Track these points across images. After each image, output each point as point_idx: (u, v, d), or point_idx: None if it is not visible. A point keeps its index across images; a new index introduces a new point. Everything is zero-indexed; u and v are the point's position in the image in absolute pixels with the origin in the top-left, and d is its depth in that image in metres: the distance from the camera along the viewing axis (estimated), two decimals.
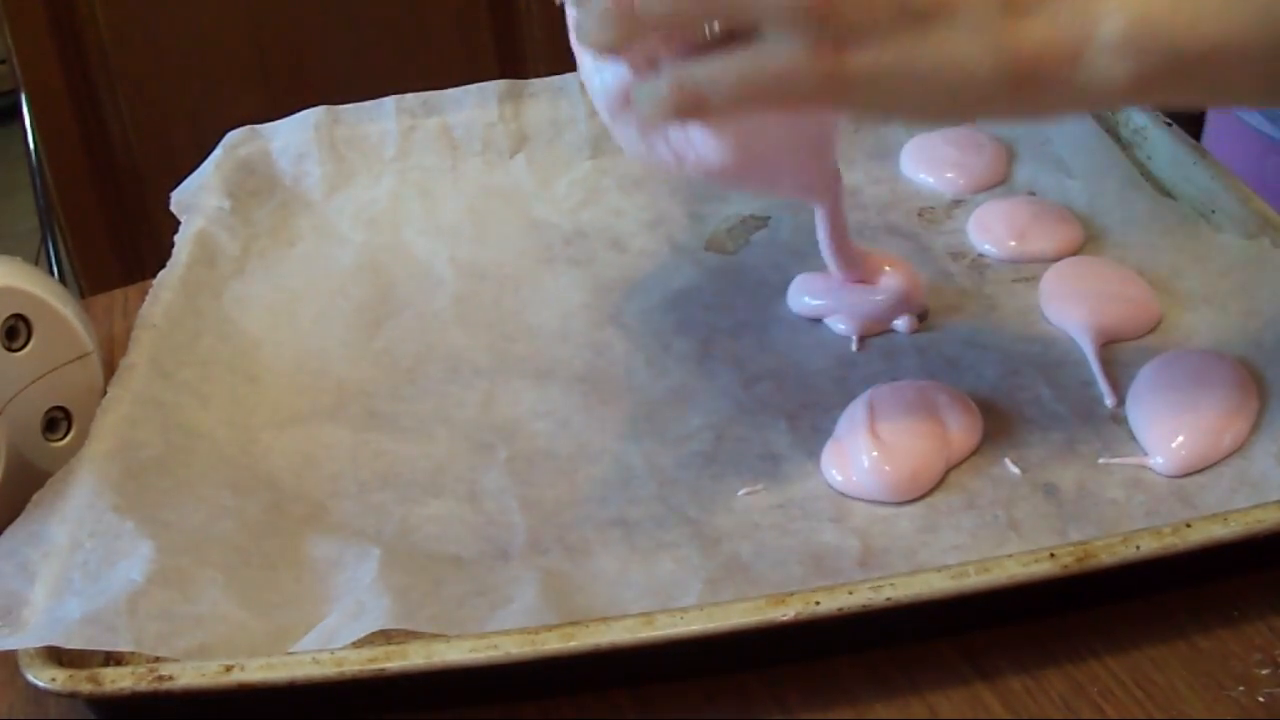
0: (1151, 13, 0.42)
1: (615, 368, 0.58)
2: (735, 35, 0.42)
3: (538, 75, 0.74)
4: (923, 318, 0.59)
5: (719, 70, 0.43)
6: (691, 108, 0.43)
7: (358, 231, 0.68)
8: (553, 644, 0.41)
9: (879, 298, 0.58)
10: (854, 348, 0.58)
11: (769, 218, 0.67)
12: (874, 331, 0.59)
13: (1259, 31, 0.42)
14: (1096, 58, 0.42)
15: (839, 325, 0.59)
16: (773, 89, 0.43)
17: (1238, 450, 0.49)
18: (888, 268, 0.59)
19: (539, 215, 0.69)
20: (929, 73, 0.42)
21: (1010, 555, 0.42)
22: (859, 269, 0.59)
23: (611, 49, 0.44)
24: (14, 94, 1.33)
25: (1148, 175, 0.67)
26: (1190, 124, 0.69)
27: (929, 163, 0.70)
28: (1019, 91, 0.43)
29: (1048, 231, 0.63)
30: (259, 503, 0.51)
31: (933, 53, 0.42)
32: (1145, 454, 0.50)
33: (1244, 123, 0.78)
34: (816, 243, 0.67)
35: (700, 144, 0.47)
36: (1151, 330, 0.57)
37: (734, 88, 0.43)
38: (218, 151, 0.70)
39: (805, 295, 0.60)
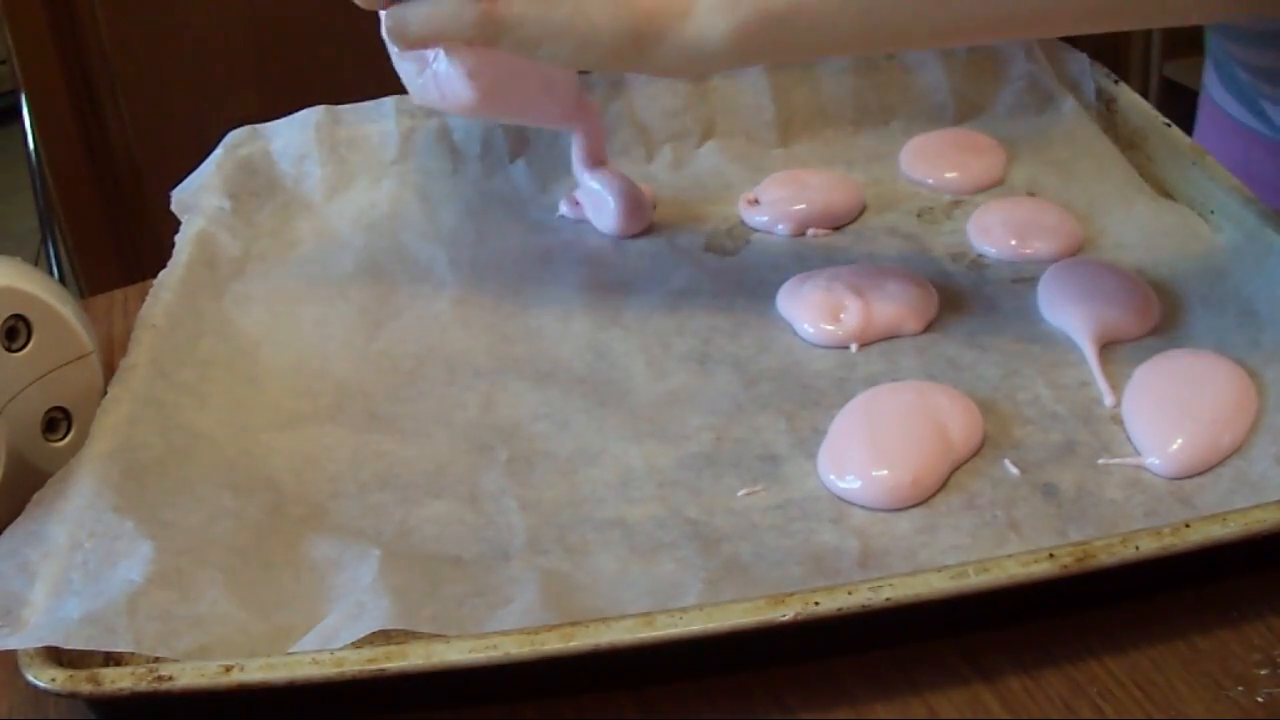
0: None
1: (615, 369, 0.58)
2: None
3: None
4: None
5: (414, 8, 0.53)
6: (398, 35, 0.54)
7: (358, 235, 0.68)
8: (553, 644, 0.41)
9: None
10: (854, 348, 0.58)
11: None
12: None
13: None
14: (698, 14, 0.49)
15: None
16: (446, 26, 0.52)
17: (1237, 451, 0.49)
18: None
19: (538, 218, 0.69)
20: (564, 23, 0.50)
21: (1010, 555, 0.42)
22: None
23: (373, 4, 0.54)
24: (14, 94, 1.33)
25: (1147, 175, 0.67)
26: (1179, 121, 0.69)
27: (929, 163, 0.70)
28: (639, 44, 0.50)
29: (1047, 232, 0.63)
30: (259, 503, 0.51)
31: (568, 6, 0.50)
32: (1144, 455, 0.50)
33: (1230, 118, 0.78)
34: (816, 243, 0.67)
35: (454, 82, 0.57)
36: (1151, 330, 0.57)
37: (420, 22, 0.53)
38: (218, 151, 0.70)
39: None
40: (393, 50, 0.58)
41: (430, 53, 0.57)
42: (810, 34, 0.50)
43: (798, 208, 0.67)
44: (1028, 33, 0.53)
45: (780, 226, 0.67)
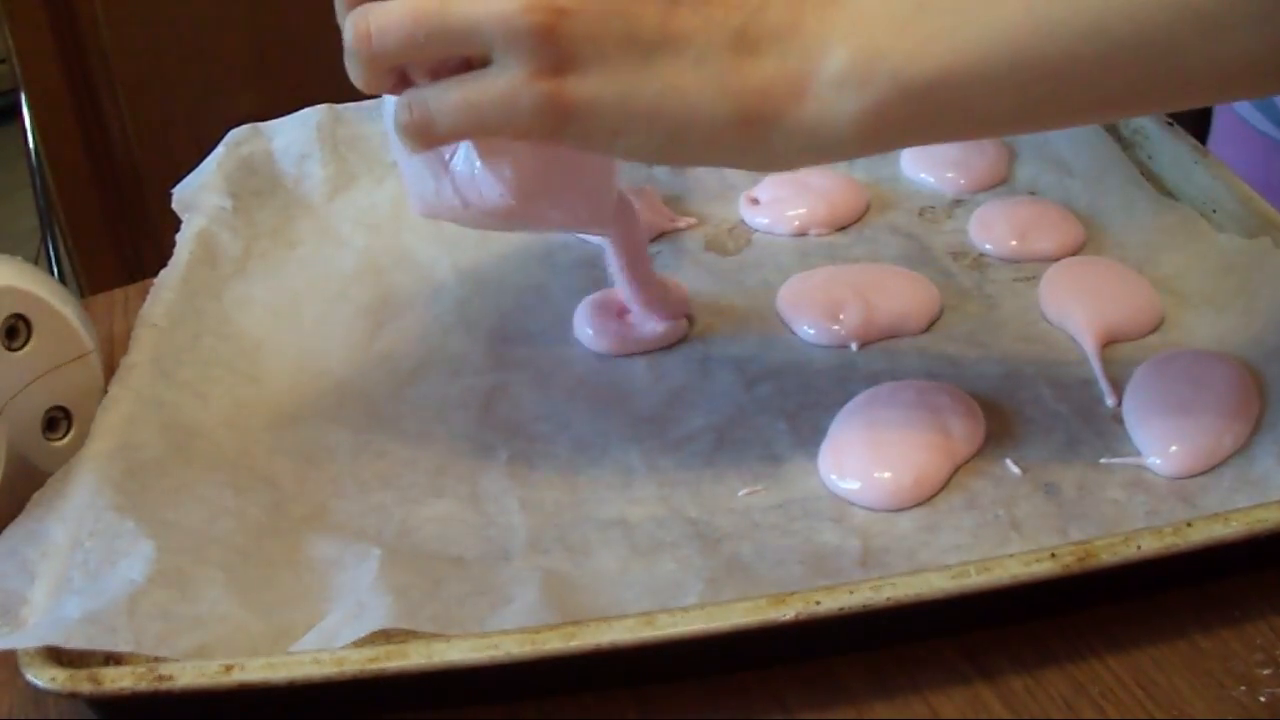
0: (875, 42, 0.41)
1: (616, 369, 0.58)
2: (474, 64, 0.43)
3: None
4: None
5: (443, 94, 0.43)
6: (421, 131, 0.43)
7: (359, 235, 0.68)
8: (553, 644, 0.41)
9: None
10: (854, 348, 0.58)
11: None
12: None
13: (995, 52, 0.40)
14: (822, 92, 0.41)
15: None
16: (492, 115, 0.42)
17: (1238, 450, 0.49)
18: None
19: None
20: (652, 106, 0.41)
21: (1011, 555, 0.42)
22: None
23: (369, 87, 0.44)
24: (14, 94, 1.33)
25: (1149, 175, 0.67)
26: (1195, 125, 0.69)
27: (930, 162, 0.70)
28: (748, 130, 0.42)
29: (1048, 231, 0.63)
30: (259, 503, 0.51)
31: (657, 86, 0.41)
32: (1146, 454, 0.50)
33: (1248, 125, 0.78)
34: (817, 243, 0.67)
35: (485, 186, 0.47)
36: (1152, 330, 0.57)
37: (456, 112, 0.42)
38: (220, 149, 0.70)
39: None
40: (397, 148, 0.48)
41: (449, 148, 0.48)
42: (957, 113, 0.42)
43: (799, 209, 0.67)
44: (1195, 103, 0.45)
45: (781, 227, 0.66)
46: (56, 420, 0.53)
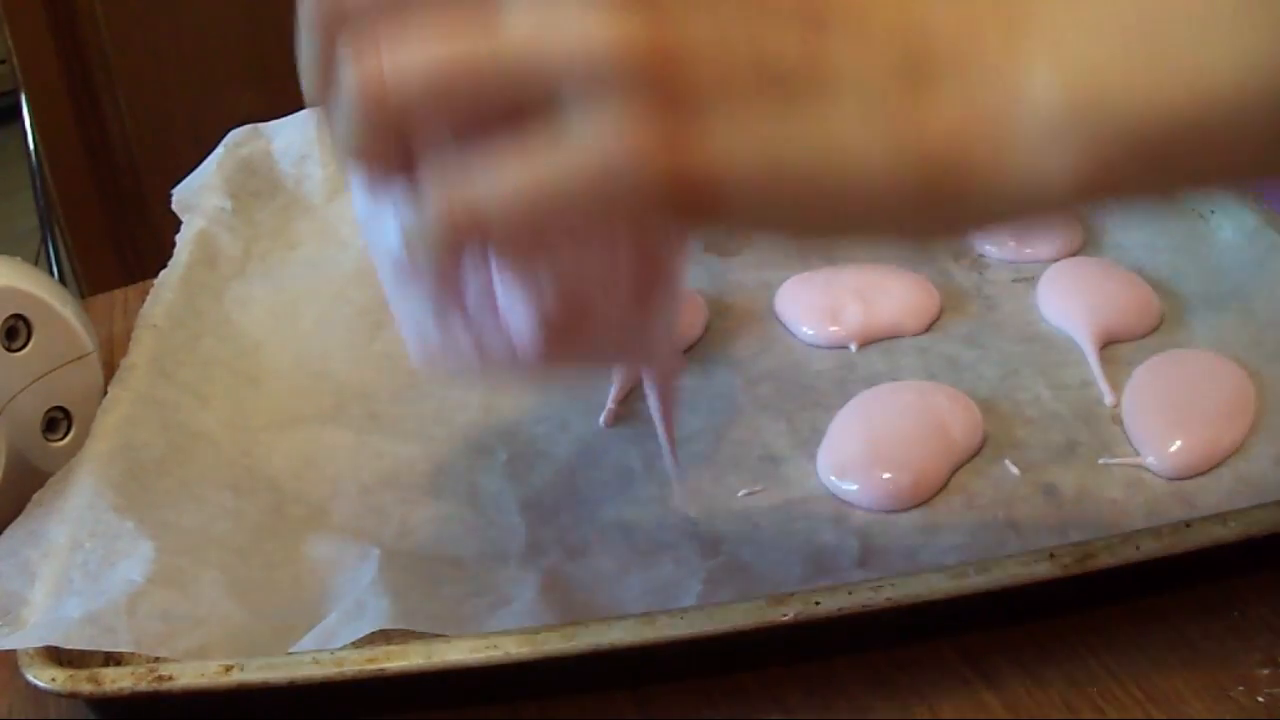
0: (1094, 73, 0.30)
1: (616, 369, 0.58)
2: (531, 119, 0.29)
3: None
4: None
5: (499, 167, 0.29)
6: (463, 227, 0.30)
7: (359, 236, 0.68)
8: (553, 644, 0.41)
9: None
10: (853, 348, 0.58)
11: None
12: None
13: (1248, 88, 0.30)
14: (1031, 138, 0.30)
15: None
16: (575, 197, 0.29)
17: (1237, 451, 0.49)
18: None
19: None
20: (809, 168, 0.30)
21: (1010, 556, 0.42)
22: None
23: (371, 160, 0.31)
24: (14, 94, 1.33)
25: None
26: None
27: None
28: (931, 192, 0.31)
29: (1047, 231, 0.63)
30: (259, 503, 0.51)
31: (811, 140, 0.30)
32: (1145, 455, 0.50)
33: None
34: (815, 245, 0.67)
35: (513, 318, 0.34)
36: (1151, 330, 0.57)
37: (526, 193, 0.29)
38: (219, 150, 0.70)
39: None
40: (388, 266, 0.36)
41: (474, 281, 0.34)
42: (1192, 164, 0.32)
43: None
44: None
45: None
46: (56, 421, 0.53)
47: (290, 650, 0.43)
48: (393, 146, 0.31)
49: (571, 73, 0.29)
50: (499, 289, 0.34)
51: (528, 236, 0.31)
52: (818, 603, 0.41)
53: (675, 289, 0.37)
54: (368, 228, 0.36)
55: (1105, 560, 0.42)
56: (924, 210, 0.31)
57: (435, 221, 0.30)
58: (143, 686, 0.41)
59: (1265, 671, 0.42)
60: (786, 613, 0.41)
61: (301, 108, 0.72)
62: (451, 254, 0.31)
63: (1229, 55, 0.30)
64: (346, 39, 0.30)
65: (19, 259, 0.54)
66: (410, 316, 0.37)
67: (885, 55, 0.30)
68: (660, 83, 0.29)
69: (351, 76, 0.30)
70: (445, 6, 0.29)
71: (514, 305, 0.34)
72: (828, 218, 0.31)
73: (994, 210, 0.32)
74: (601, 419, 0.55)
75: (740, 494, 0.50)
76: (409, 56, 0.29)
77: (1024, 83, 0.30)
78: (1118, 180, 0.32)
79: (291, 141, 0.71)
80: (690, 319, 0.59)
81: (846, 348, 0.58)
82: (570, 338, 0.34)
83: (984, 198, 0.31)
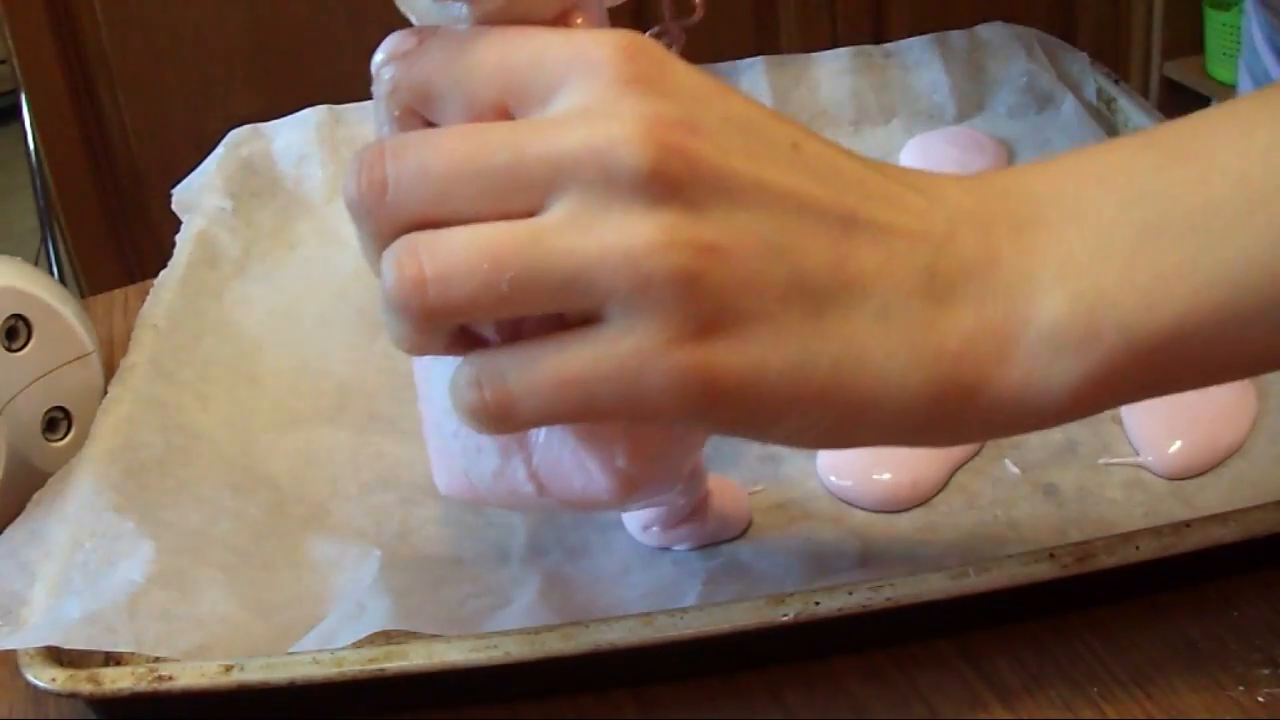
0: (1097, 286, 0.32)
1: None
2: (573, 323, 0.31)
3: None
4: None
5: (531, 364, 0.31)
6: (498, 415, 0.31)
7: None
8: (553, 644, 0.41)
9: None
10: None
11: None
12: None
13: (1246, 288, 0.32)
14: (1034, 352, 0.32)
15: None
16: (606, 395, 0.30)
17: (1237, 451, 0.49)
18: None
19: None
20: (829, 379, 0.31)
21: (1010, 556, 0.42)
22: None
23: (415, 350, 0.33)
24: (14, 94, 1.33)
25: None
26: None
27: (929, 162, 0.70)
28: (941, 404, 0.32)
29: None
30: (259, 503, 0.51)
31: (834, 350, 0.31)
32: (1144, 455, 0.50)
33: None
34: None
35: (575, 471, 0.35)
36: None
37: (553, 390, 0.31)
38: (219, 150, 0.70)
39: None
40: (434, 410, 0.37)
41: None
42: (1192, 367, 0.33)
43: None
44: None
45: None
46: (56, 421, 0.53)
47: (290, 651, 0.43)
48: (441, 336, 0.32)
49: (613, 280, 0.30)
50: (563, 442, 0.35)
51: (559, 417, 0.32)
52: (818, 603, 0.41)
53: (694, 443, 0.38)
54: (421, 372, 0.37)
55: (1105, 560, 0.42)
56: (934, 419, 0.32)
57: (472, 409, 0.32)
58: (143, 686, 0.41)
59: (1265, 671, 0.42)
60: (786, 613, 0.41)
61: (301, 107, 0.73)
62: (490, 428, 0.32)
63: (1226, 259, 0.32)
64: (389, 235, 0.31)
65: (19, 259, 0.54)
66: (454, 448, 0.37)
67: (911, 266, 0.32)
68: (698, 294, 0.30)
69: (391, 275, 0.31)
70: (489, 198, 0.30)
71: (582, 458, 0.35)
72: (841, 424, 0.32)
73: (998, 420, 0.33)
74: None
75: None
76: (451, 258, 0.30)
77: (1031, 293, 0.32)
78: (1121, 384, 0.33)
79: (291, 141, 0.71)
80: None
81: None
82: (636, 491, 0.35)
83: (987, 408, 0.32)
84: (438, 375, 0.36)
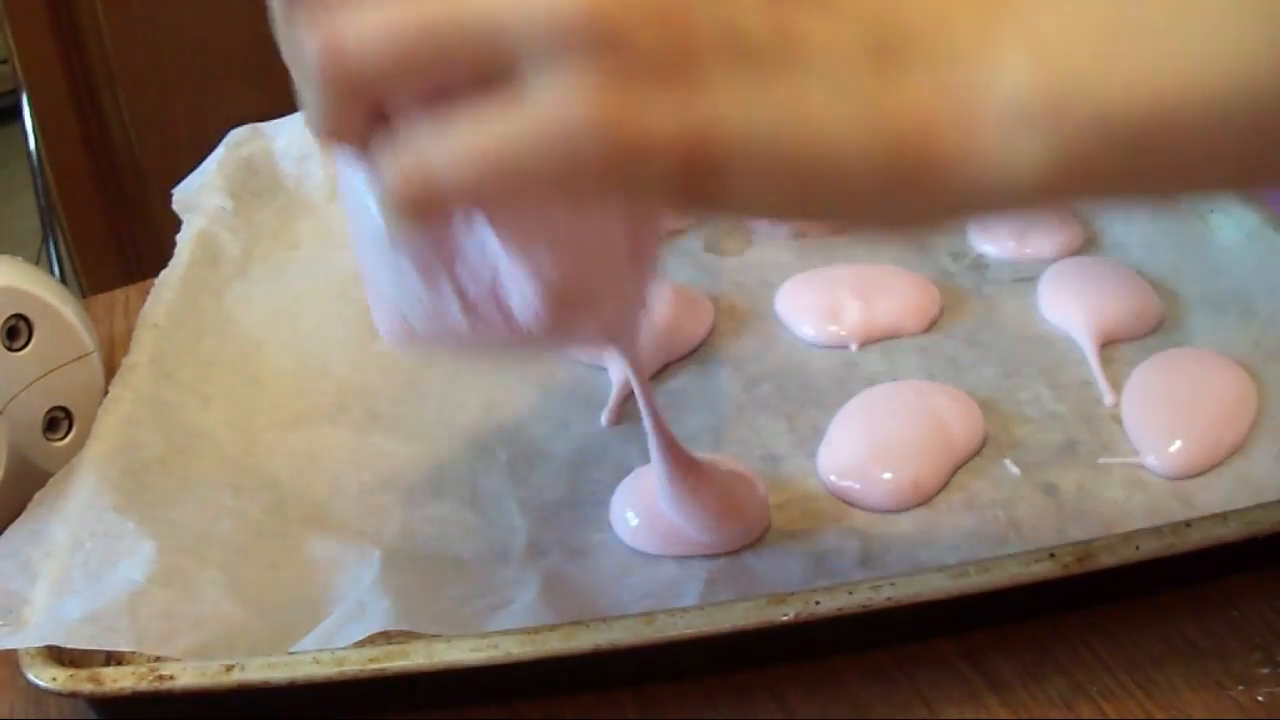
0: (1069, 60, 0.30)
1: (616, 369, 0.58)
2: (497, 83, 0.29)
3: None
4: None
5: (454, 131, 0.29)
6: (419, 195, 0.29)
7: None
8: (554, 644, 0.41)
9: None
10: (854, 348, 0.58)
11: None
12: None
13: (1229, 88, 0.30)
14: (1000, 123, 0.30)
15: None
16: (532, 155, 0.28)
17: (1237, 450, 0.49)
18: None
19: None
20: (796, 140, 0.29)
21: (1010, 555, 0.42)
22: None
23: (337, 129, 0.30)
24: (14, 94, 1.33)
25: None
26: None
27: None
28: (900, 174, 0.30)
29: (1047, 231, 0.63)
30: (260, 503, 0.51)
31: (780, 107, 0.29)
32: (1144, 454, 0.50)
33: None
34: (816, 243, 0.67)
35: (509, 287, 0.33)
36: (1151, 330, 0.57)
37: (478, 156, 0.28)
38: (220, 150, 0.70)
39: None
40: (366, 239, 0.35)
41: (468, 247, 0.34)
42: (1168, 165, 0.31)
43: None
44: None
45: (781, 228, 0.66)
46: (57, 420, 0.53)
47: (291, 650, 0.43)
48: (359, 116, 0.30)
49: (532, 32, 0.28)
50: (497, 258, 0.33)
51: (494, 203, 0.31)
52: (818, 603, 0.41)
53: (657, 258, 0.37)
54: (348, 199, 0.35)
55: (1105, 560, 0.42)
56: (896, 191, 0.31)
57: (390, 190, 0.29)
58: (143, 686, 0.41)
59: (1265, 671, 0.42)
60: (787, 612, 0.41)
61: (301, 107, 0.72)
62: (420, 221, 0.29)
63: (1210, 47, 0.30)
64: (307, 7, 0.30)
65: (20, 259, 0.54)
66: (386, 289, 0.36)
67: (855, 33, 0.30)
68: (619, 35, 0.28)
69: (311, 46, 0.29)
70: None
71: (512, 274, 0.33)
72: (807, 192, 0.30)
73: (964, 197, 0.31)
74: (602, 419, 0.55)
75: None
76: (367, 22, 0.29)
77: (995, 68, 0.30)
78: (1090, 172, 0.31)
79: (292, 141, 0.71)
80: (698, 320, 0.59)
81: (847, 347, 0.58)
82: (570, 307, 0.34)
83: (953, 182, 0.31)
84: (369, 213, 0.34)
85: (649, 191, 0.30)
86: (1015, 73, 0.30)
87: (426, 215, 0.30)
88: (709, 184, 0.29)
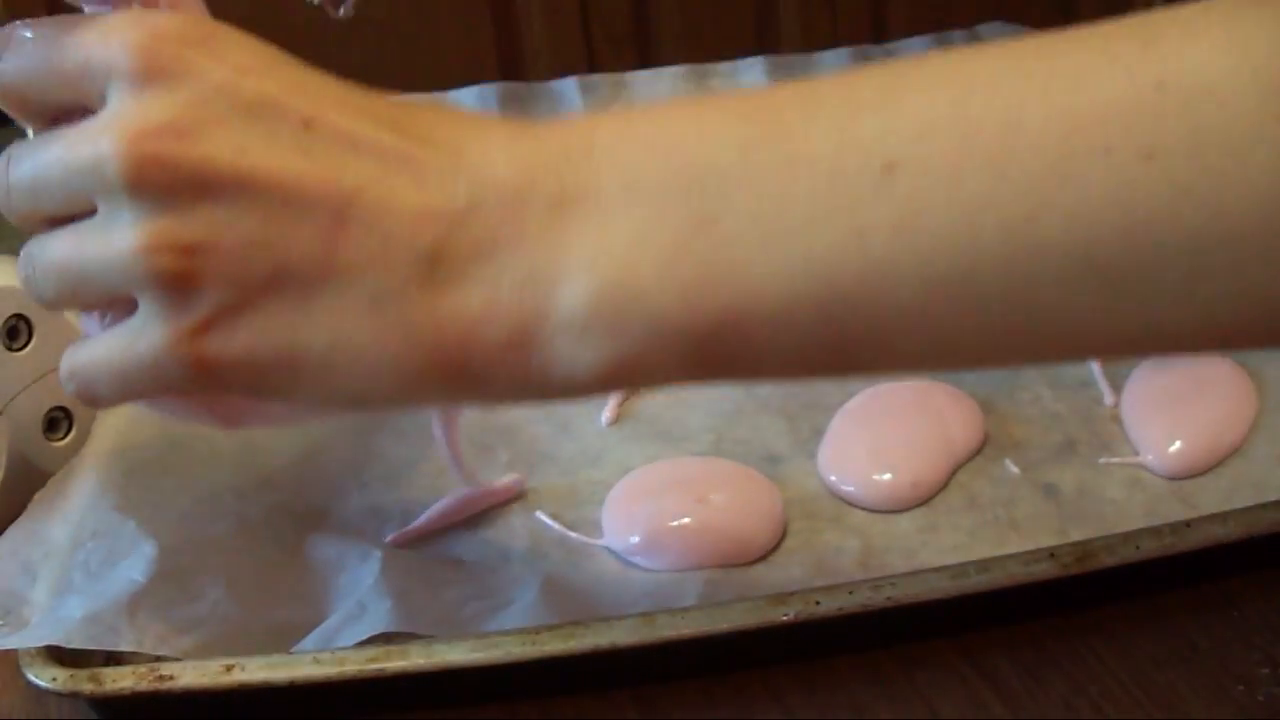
0: (631, 275, 0.31)
1: None
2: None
3: (538, 77, 0.74)
4: None
5: (96, 357, 0.35)
6: (89, 401, 0.36)
7: None
8: (553, 644, 0.41)
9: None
10: None
11: None
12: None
13: (806, 294, 0.31)
14: (554, 340, 0.32)
15: None
16: (145, 382, 0.34)
17: (1237, 450, 0.49)
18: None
19: None
20: (322, 363, 0.33)
21: (1010, 555, 0.42)
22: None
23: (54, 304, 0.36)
24: None
25: None
26: None
27: None
28: (451, 383, 0.33)
29: None
30: (260, 503, 0.51)
31: (324, 337, 0.32)
32: (1144, 454, 0.50)
33: None
34: None
35: (190, 410, 0.38)
36: None
37: (113, 382, 0.35)
38: None
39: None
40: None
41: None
42: (742, 364, 0.33)
43: None
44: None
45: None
46: (57, 420, 0.53)
47: (291, 650, 0.43)
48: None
49: (120, 278, 0.33)
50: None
51: (118, 400, 0.36)
52: (818, 603, 0.41)
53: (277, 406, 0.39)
54: None
55: (1105, 560, 0.42)
56: (447, 393, 0.33)
57: (65, 386, 0.37)
58: (144, 686, 0.41)
59: (1265, 671, 0.42)
60: (787, 613, 0.41)
61: None
62: (92, 406, 0.38)
63: (786, 262, 0.30)
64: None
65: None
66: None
67: (409, 250, 0.32)
68: (185, 288, 0.32)
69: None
70: (61, 203, 0.34)
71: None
72: (353, 402, 0.34)
73: (521, 392, 0.33)
74: (602, 419, 0.55)
75: None
76: (38, 264, 0.35)
77: (556, 277, 0.31)
78: (649, 370, 0.32)
79: None
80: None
81: None
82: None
83: (501, 387, 0.33)
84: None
85: (211, 396, 0.37)
86: (573, 292, 0.31)
87: (104, 406, 0.38)
88: (261, 391, 0.34)
